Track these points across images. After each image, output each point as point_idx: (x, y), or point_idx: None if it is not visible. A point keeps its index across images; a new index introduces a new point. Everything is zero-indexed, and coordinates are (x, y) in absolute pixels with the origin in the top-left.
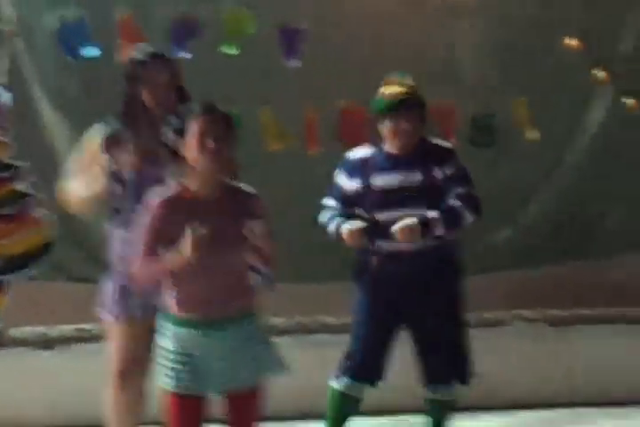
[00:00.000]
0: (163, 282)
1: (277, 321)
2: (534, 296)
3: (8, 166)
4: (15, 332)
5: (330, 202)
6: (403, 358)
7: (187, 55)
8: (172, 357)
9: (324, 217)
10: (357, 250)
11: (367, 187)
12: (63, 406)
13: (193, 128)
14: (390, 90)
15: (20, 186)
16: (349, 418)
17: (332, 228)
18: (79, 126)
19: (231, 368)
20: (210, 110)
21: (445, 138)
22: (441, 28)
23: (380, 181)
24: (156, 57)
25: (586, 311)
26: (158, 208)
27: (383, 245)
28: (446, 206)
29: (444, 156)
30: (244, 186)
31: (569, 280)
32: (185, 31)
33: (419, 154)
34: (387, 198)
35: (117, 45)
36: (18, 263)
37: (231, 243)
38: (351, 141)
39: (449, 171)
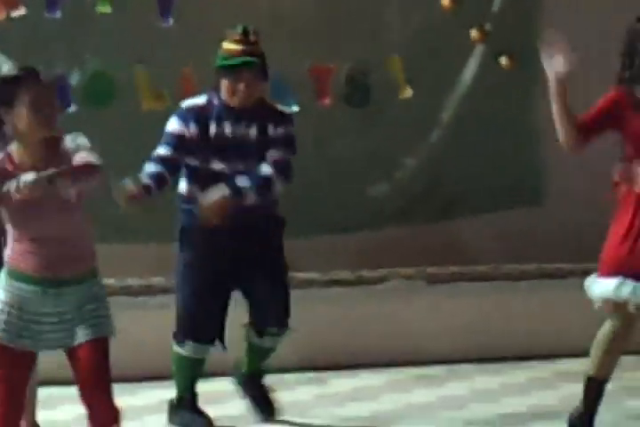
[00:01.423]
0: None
1: None
2: (409, 254)
3: None
4: None
5: (161, 151)
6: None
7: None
8: (2, 308)
9: (149, 168)
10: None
11: (204, 135)
12: None
13: (23, 98)
14: (231, 46)
15: None
16: (198, 380)
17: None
18: None
19: (65, 328)
20: (34, 78)
21: (320, 97)
22: None
23: (217, 129)
24: None
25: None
26: None
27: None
28: (260, 174)
29: (281, 118)
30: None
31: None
32: None
33: (257, 111)
34: (224, 149)
35: None
36: None
37: (61, 206)
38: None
39: (279, 132)
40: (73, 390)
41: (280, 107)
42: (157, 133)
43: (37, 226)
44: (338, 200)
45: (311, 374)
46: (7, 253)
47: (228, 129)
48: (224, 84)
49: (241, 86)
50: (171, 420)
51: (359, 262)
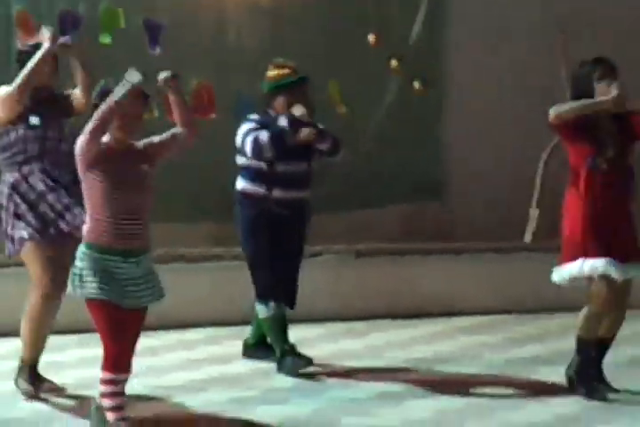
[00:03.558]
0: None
1: None
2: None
3: None
4: None
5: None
6: None
7: (68, 41)
8: (94, 273)
9: (263, 136)
10: (251, 197)
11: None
12: None
13: (126, 106)
14: (280, 71)
15: None
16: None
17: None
18: None
19: (138, 289)
20: (136, 93)
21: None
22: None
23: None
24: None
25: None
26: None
27: (277, 193)
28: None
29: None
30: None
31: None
32: (69, 23)
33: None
34: (288, 152)
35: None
36: None
37: (142, 187)
38: (202, 114)
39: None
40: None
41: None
42: None
43: (121, 204)
44: None
45: None
46: (86, 229)
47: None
48: (280, 102)
49: (301, 99)
50: (279, 368)
51: None
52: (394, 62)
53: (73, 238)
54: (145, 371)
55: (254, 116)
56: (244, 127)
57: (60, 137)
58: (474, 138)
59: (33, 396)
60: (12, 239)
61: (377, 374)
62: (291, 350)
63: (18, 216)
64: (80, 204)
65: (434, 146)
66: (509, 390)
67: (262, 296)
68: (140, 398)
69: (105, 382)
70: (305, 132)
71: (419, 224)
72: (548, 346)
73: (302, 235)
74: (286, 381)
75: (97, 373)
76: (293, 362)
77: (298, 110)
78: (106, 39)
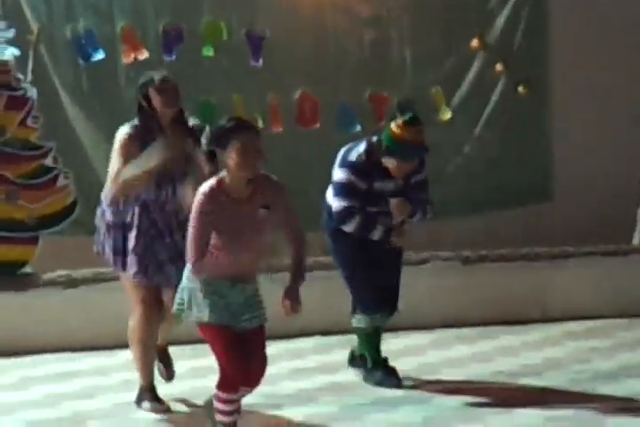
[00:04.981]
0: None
1: None
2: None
3: (38, 147)
4: (45, 275)
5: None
6: None
7: (172, 58)
8: (210, 296)
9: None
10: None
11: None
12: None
13: (236, 145)
14: (413, 137)
15: (47, 161)
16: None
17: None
18: (90, 113)
19: (244, 313)
20: (246, 129)
21: (377, 121)
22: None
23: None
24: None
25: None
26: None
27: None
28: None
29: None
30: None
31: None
32: (173, 38)
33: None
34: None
35: (121, 50)
36: (48, 222)
37: (258, 228)
38: (305, 124)
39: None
40: None
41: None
42: None
43: (236, 246)
44: None
45: None
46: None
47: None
48: (393, 163)
49: (408, 169)
50: (366, 379)
51: None
52: (498, 66)
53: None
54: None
55: (360, 159)
56: (344, 177)
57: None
58: (583, 139)
59: (164, 410)
60: (120, 263)
61: (486, 381)
62: (382, 363)
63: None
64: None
65: (543, 147)
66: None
67: (366, 311)
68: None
69: (220, 400)
70: (394, 201)
71: (527, 228)
72: None
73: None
74: (396, 390)
75: (210, 383)
76: (382, 378)
77: (394, 201)
78: (209, 52)
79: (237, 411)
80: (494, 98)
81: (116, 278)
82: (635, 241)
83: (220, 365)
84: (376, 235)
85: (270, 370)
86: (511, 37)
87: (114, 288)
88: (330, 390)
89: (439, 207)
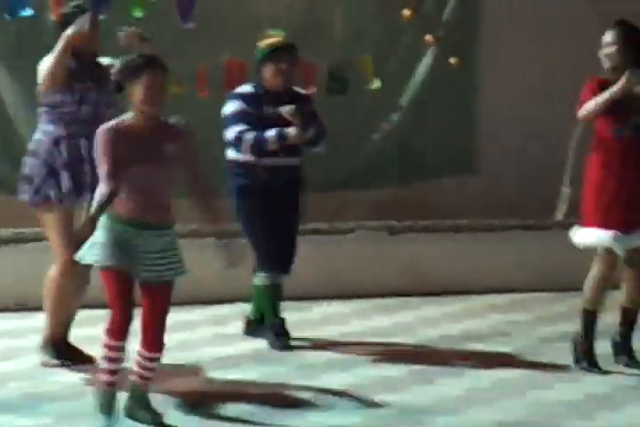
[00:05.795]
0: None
1: None
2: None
3: None
4: None
5: (240, 127)
6: None
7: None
8: (106, 240)
9: (249, 135)
10: (243, 166)
11: (258, 114)
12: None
13: (142, 79)
14: (269, 40)
15: None
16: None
17: (271, 136)
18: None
19: (153, 264)
20: (155, 65)
21: (306, 87)
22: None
23: (266, 110)
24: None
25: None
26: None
27: (267, 160)
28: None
29: (306, 99)
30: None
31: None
32: None
33: (289, 93)
34: (272, 125)
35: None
36: None
37: (162, 162)
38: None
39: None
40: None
41: (301, 90)
42: None
43: (137, 176)
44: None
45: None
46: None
47: (275, 109)
48: (268, 68)
49: (282, 65)
50: (249, 333)
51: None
52: (427, 37)
53: None
54: (176, 345)
55: (244, 89)
56: (231, 107)
57: (108, 103)
58: (508, 113)
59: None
60: (38, 191)
61: (407, 351)
62: (277, 325)
63: (52, 171)
64: None
65: (467, 120)
66: (538, 369)
67: (263, 268)
68: (172, 372)
69: (105, 346)
70: (285, 109)
71: (454, 200)
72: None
73: (296, 204)
74: (319, 355)
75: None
76: (272, 341)
77: (285, 109)
78: (138, 13)
79: (119, 360)
80: (424, 68)
81: (38, 239)
82: (558, 216)
83: (111, 309)
84: (271, 143)
85: (191, 336)
86: (443, 8)
87: (35, 249)
88: (252, 357)
89: (366, 176)
